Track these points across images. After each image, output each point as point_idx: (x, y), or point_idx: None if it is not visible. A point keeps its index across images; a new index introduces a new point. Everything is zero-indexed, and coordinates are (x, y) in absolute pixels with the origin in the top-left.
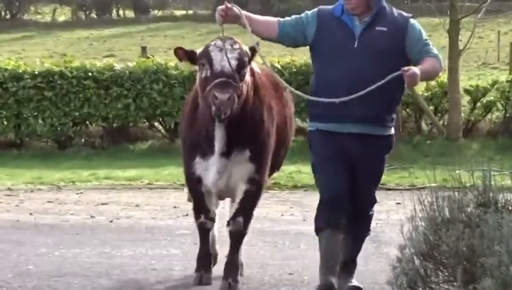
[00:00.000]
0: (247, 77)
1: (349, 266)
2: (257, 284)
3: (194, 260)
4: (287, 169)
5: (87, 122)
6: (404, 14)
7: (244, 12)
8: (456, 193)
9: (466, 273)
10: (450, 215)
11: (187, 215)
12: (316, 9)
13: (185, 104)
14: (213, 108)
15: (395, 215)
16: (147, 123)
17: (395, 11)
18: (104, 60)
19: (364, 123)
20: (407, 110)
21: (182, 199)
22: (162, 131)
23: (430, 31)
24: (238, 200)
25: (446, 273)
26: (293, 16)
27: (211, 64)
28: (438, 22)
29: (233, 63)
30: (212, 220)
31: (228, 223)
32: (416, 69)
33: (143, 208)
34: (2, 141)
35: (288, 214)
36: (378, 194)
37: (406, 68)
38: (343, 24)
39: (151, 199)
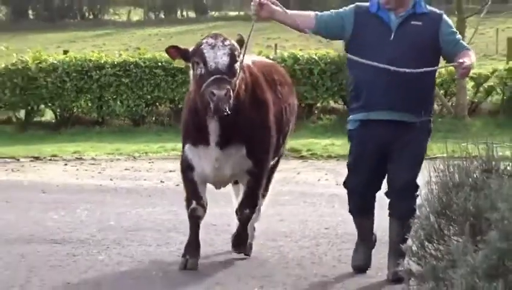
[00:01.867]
0: (239, 72)
1: (396, 248)
2: (299, 237)
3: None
4: (323, 142)
5: (157, 104)
6: (437, 10)
7: (276, 7)
8: (464, 162)
9: (473, 228)
10: (459, 180)
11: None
12: (353, 5)
13: (186, 99)
14: (211, 104)
15: None
16: None
17: (428, 8)
18: None
19: (402, 111)
20: None
21: None
22: None
23: None
24: (241, 192)
25: (456, 228)
26: (331, 10)
27: (204, 62)
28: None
29: (226, 59)
30: (203, 207)
31: (236, 213)
32: (469, 62)
33: None
34: (87, 120)
35: (324, 179)
36: None
37: (461, 60)
38: (379, 19)
39: None
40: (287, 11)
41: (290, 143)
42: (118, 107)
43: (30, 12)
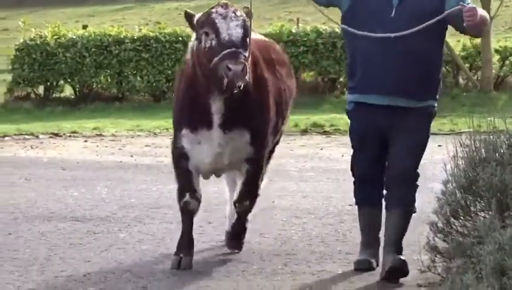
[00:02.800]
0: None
1: (395, 244)
2: (323, 213)
3: (271, 196)
4: (346, 117)
5: None
6: None
7: None
8: (490, 136)
9: (500, 203)
10: (486, 155)
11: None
12: None
13: (177, 78)
14: (225, 80)
15: (438, 156)
16: None
17: None
18: None
19: (401, 94)
20: (447, 67)
21: None
22: None
23: None
24: (240, 181)
25: (483, 204)
26: None
27: (217, 33)
28: None
29: (240, 31)
30: (198, 200)
31: (235, 205)
32: (473, 5)
33: None
34: (107, 95)
35: (348, 154)
36: None
37: (463, 3)
38: None
39: None
40: None
41: (313, 118)
42: (138, 82)
43: None
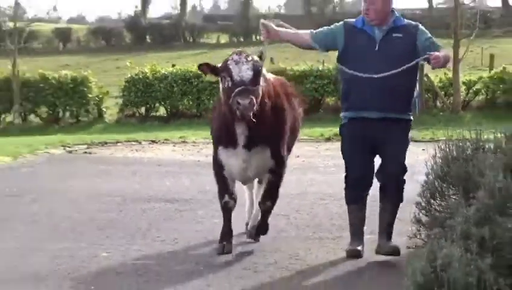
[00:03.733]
0: (262, 82)
1: (387, 230)
2: (341, 197)
3: (304, 184)
4: None
5: None
6: (413, 22)
7: (280, 28)
8: (459, 142)
9: (466, 189)
10: (456, 155)
11: (298, 156)
12: (341, 22)
13: (213, 108)
14: (237, 112)
15: (421, 156)
16: None
17: (406, 21)
18: None
19: (386, 110)
20: (428, 94)
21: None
22: None
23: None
24: (263, 187)
25: (453, 189)
26: (325, 27)
27: (231, 76)
28: (446, 42)
29: (250, 72)
30: (234, 200)
31: (259, 205)
32: (438, 53)
33: None
34: (189, 114)
35: None
36: (410, 146)
37: (430, 53)
38: (365, 33)
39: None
40: (290, 31)
41: (334, 130)
42: (211, 104)
43: (147, 37)
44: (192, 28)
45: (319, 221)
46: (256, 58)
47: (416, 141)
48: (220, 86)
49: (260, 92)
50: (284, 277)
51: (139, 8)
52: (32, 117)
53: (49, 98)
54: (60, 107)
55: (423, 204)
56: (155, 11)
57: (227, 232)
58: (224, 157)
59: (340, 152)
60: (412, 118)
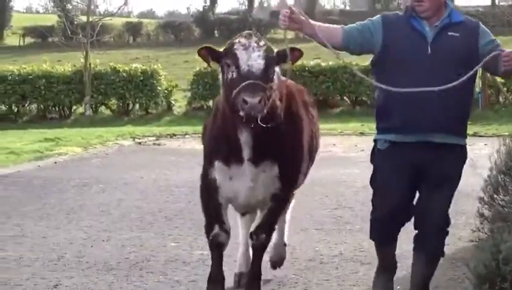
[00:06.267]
0: (276, 79)
1: (418, 286)
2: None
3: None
4: None
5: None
6: (472, 19)
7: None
8: None
9: None
10: None
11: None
12: (379, 16)
13: (213, 108)
14: (242, 113)
15: (484, 151)
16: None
17: (463, 16)
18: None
19: (440, 132)
20: (491, 90)
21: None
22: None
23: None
24: (261, 215)
25: None
26: (358, 22)
27: (237, 64)
28: (506, 39)
29: (260, 62)
30: (227, 233)
31: (251, 237)
32: (510, 50)
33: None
34: None
35: None
36: (473, 140)
37: (502, 49)
38: (413, 30)
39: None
40: (314, 23)
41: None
42: None
43: (215, 32)
44: (259, 23)
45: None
46: (268, 43)
47: (479, 136)
48: (221, 77)
49: (273, 93)
50: (349, 268)
51: (208, 3)
52: (102, 109)
53: (120, 91)
54: (130, 99)
55: (486, 199)
56: (223, 6)
57: (216, 278)
58: (221, 176)
59: (370, 182)
60: (466, 142)
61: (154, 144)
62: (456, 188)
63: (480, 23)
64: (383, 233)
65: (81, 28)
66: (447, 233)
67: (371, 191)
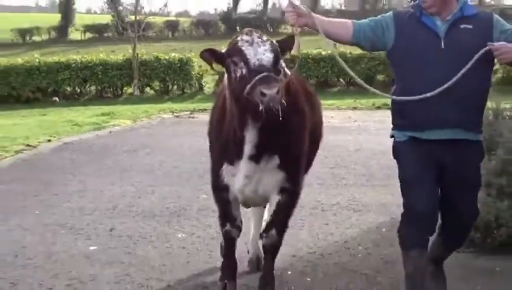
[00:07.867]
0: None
1: (438, 272)
2: (389, 150)
3: (361, 143)
4: None
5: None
6: (486, 11)
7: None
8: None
9: (488, 148)
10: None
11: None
12: (391, 12)
13: (213, 110)
14: (261, 106)
15: None
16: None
17: (476, 9)
18: None
19: (461, 128)
20: None
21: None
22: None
23: None
24: (271, 211)
25: None
26: (371, 18)
27: (246, 60)
28: None
29: (269, 55)
30: (238, 228)
31: (261, 236)
32: (502, 42)
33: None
34: None
35: None
36: None
37: (490, 43)
38: (424, 26)
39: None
40: (322, 18)
41: (383, 100)
42: None
43: (237, 28)
44: (272, 20)
45: (372, 171)
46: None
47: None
48: (226, 78)
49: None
50: (344, 215)
51: (231, 4)
52: (147, 90)
53: (161, 75)
54: (170, 82)
55: None
56: (243, 7)
57: (228, 267)
58: (228, 176)
59: (399, 179)
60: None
61: (189, 117)
62: (480, 183)
63: (493, 13)
64: (413, 236)
65: (130, 25)
66: (470, 229)
67: (362, 153)
